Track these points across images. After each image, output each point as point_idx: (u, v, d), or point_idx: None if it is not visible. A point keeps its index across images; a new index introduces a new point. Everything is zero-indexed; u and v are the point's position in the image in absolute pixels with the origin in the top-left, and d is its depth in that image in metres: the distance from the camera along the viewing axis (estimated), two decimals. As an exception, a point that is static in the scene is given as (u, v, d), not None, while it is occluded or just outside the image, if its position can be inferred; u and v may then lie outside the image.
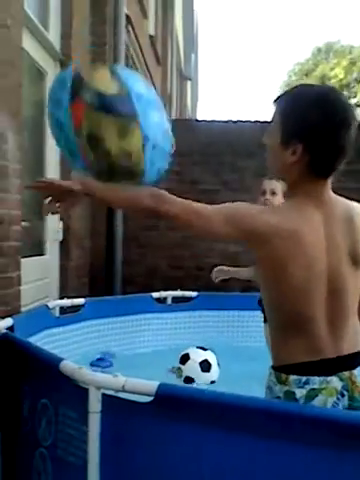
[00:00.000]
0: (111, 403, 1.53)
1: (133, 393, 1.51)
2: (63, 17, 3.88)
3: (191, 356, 2.72)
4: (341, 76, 23.40)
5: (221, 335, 3.93)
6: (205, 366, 2.69)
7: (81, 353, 3.19)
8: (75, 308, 3.26)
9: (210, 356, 2.76)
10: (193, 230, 1.44)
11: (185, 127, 4.89)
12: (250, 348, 3.64)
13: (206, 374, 2.69)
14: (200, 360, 2.70)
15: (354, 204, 1.49)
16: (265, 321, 3.26)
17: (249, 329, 3.88)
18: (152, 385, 1.47)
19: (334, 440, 1.27)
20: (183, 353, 2.76)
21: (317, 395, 1.36)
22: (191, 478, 1.44)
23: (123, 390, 1.51)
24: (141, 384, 1.50)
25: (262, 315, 3.29)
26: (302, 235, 1.35)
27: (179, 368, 2.71)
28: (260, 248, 1.37)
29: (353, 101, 20.80)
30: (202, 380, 2.65)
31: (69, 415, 1.64)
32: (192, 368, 2.68)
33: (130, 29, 5.52)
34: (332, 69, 23.84)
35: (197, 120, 5.43)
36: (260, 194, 3.30)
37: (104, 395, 1.53)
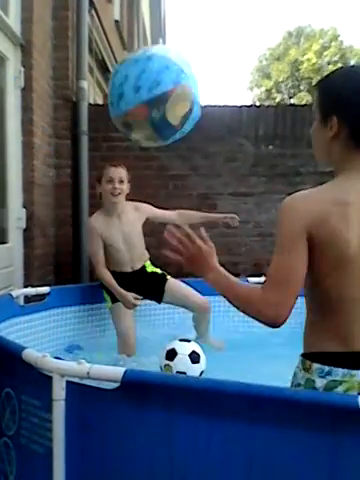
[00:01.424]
0: (76, 390, 1.51)
1: (98, 380, 1.48)
2: (24, 1, 3.75)
3: (178, 350, 2.61)
4: (313, 61, 23.56)
5: (189, 319, 3.90)
6: (195, 357, 2.60)
7: (47, 342, 3.14)
8: (40, 297, 3.20)
9: (196, 347, 2.66)
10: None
11: (152, 112, 4.81)
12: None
13: (196, 365, 2.61)
14: (189, 352, 2.61)
15: None
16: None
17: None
18: (118, 371, 1.45)
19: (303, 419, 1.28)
20: (168, 349, 2.64)
21: (336, 387, 1.31)
22: (160, 464, 1.43)
23: (88, 377, 1.48)
24: (106, 370, 1.48)
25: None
26: (343, 212, 1.29)
27: (167, 365, 2.62)
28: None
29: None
30: (193, 372, 2.57)
31: (33, 403, 1.62)
32: (182, 362, 2.59)
33: (94, 13, 5.40)
34: (304, 53, 23.96)
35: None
36: (105, 181, 3.22)
37: (69, 382, 1.51)
